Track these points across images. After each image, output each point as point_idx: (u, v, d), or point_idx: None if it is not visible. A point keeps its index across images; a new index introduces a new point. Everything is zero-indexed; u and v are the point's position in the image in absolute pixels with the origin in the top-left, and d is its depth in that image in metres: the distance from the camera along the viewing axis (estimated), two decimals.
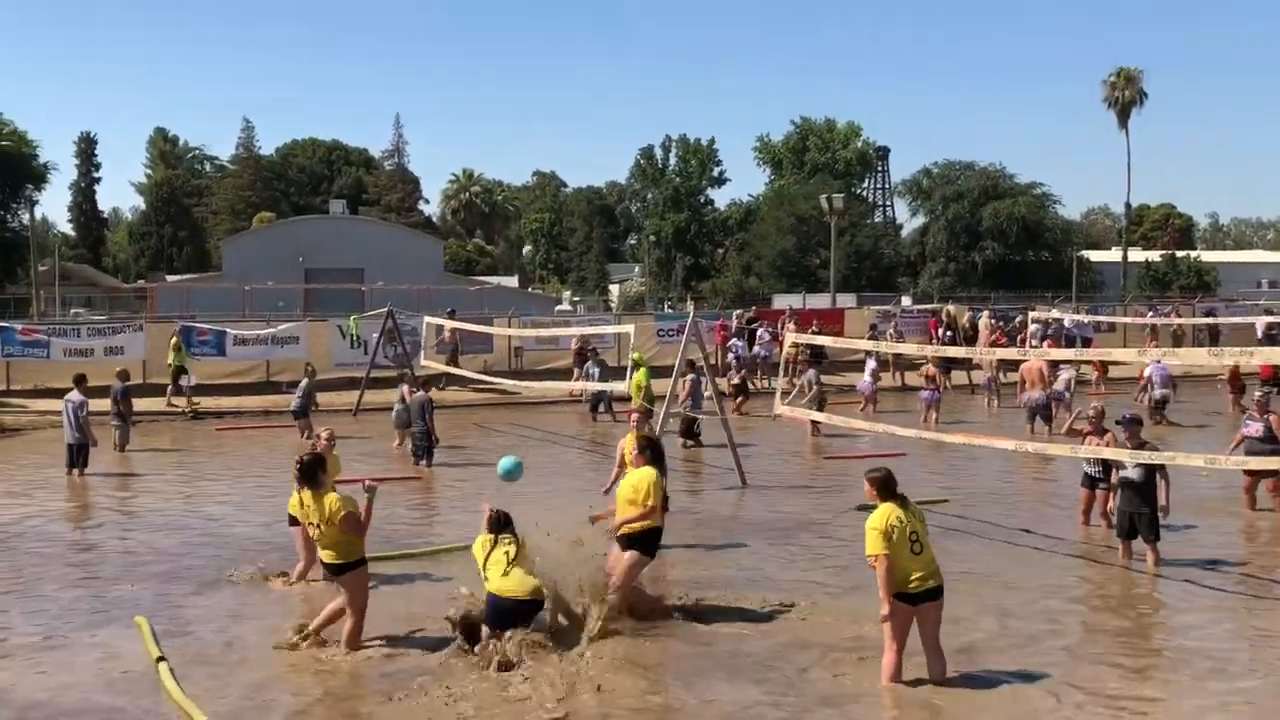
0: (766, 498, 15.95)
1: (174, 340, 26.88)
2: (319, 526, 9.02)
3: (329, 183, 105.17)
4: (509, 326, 30.04)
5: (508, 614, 8.84)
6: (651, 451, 10.21)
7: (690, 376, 20.06)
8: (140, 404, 22.92)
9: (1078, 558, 12.33)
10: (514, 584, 8.83)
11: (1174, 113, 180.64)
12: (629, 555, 9.61)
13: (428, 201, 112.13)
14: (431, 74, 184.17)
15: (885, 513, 8.18)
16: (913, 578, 8.09)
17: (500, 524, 9.15)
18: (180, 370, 26.48)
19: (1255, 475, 14.19)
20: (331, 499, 9.01)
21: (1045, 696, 8.17)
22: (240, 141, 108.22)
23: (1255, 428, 14.17)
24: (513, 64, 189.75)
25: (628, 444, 11.42)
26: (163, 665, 8.67)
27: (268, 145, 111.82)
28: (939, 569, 8.29)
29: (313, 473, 9.14)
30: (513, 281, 79.52)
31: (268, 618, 10.11)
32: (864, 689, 8.26)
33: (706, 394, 19.47)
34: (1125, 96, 66.21)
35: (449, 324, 28.69)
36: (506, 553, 8.95)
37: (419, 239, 68.61)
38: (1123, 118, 67.09)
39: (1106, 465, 12.74)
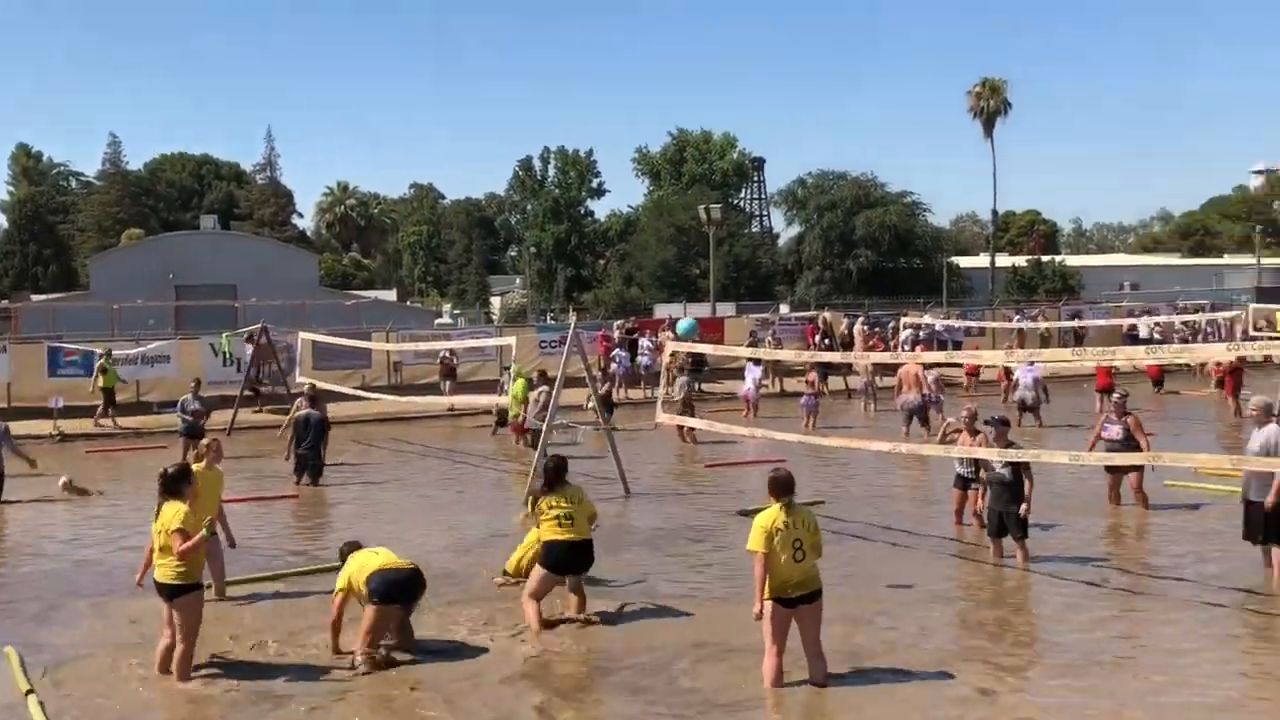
0: (651, 506, 16.02)
1: (100, 362, 26.36)
2: (163, 537, 8.68)
3: (199, 198, 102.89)
4: (387, 341, 29.72)
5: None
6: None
7: (543, 388, 20.03)
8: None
9: (952, 556, 12.63)
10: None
11: (1038, 121, 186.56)
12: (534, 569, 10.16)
13: (301, 215, 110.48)
14: (304, 86, 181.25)
15: (772, 514, 8.28)
16: (791, 583, 8.18)
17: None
18: (109, 391, 26.10)
19: (1118, 475, 14.68)
20: (174, 510, 8.68)
21: (924, 694, 8.34)
22: (107, 157, 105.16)
23: (1115, 430, 14.59)
24: (387, 76, 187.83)
25: None
26: (31, 698, 8.37)
27: (135, 161, 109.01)
28: (818, 575, 8.39)
29: (176, 484, 8.89)
30: (391, 295, 78.56)
31: (147, 644, 9.82)
32: (747, 694, 8.34)
33: (592, 404, 19.47)
34: (990, 106, 68.01)
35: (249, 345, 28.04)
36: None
37: (293, 254, 67.47)
38: (988, 127, 68.91)
39: (979, 466, 13.04)
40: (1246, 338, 31.28)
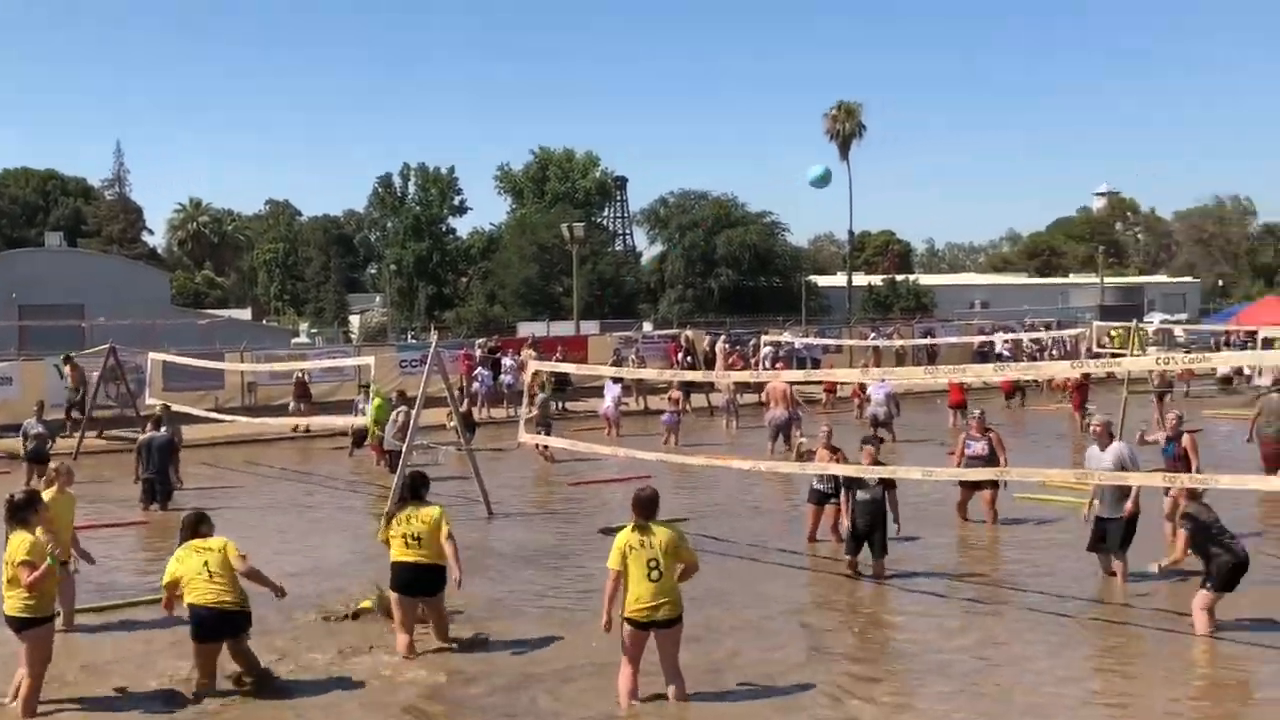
0: (514, 526, 15.90)
1: None
2: (9, 569, 8.28)
3: (44, 214, 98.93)
4: (241, 361, 28.97)
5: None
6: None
7: (402, 408, 19.77)
8: None
9: (811, 571, 12.81)
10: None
11: (893, 144, 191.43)
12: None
13: (152, 232, 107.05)
14: (155, 99, 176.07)
15: (626, 533, 8.25)
16: (643, 603, 8.09)
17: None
18: None
19: (971, 490, 15.06)
20: (19, 541, 8.27)
21: (780, 708, 8.41)
22: None
23: (978, 446, 14.93)
24: (241, 88, 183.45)
25: None
26: None
27: None
28: (677, 598, 8.28)
29: (22, 513, 8.48)
30: (246, 314, 76.70)
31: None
32: (606, 713, 8.30)
33: (453, 424, 19.23)
34: (846, 129, 69.36)
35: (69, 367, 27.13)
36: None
37: (143, 271, 65.25)
38: (844, 149, 70.25)
39: (836, 482, 13.19)
40: (1090, 354, 32.46)
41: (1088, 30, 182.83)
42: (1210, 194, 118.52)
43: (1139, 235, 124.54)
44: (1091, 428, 12.50)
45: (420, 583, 9.68)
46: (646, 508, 8.29)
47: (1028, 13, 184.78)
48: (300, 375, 28.68)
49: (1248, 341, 33.78)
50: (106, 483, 20.33)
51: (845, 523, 12.31)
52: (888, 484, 12.24)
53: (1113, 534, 11.85)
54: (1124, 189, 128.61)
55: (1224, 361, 21.57)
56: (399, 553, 9.68)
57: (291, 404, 28.40)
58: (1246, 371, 32.80)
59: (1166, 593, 11.37)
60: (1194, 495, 10.23)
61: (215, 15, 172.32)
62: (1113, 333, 34.92)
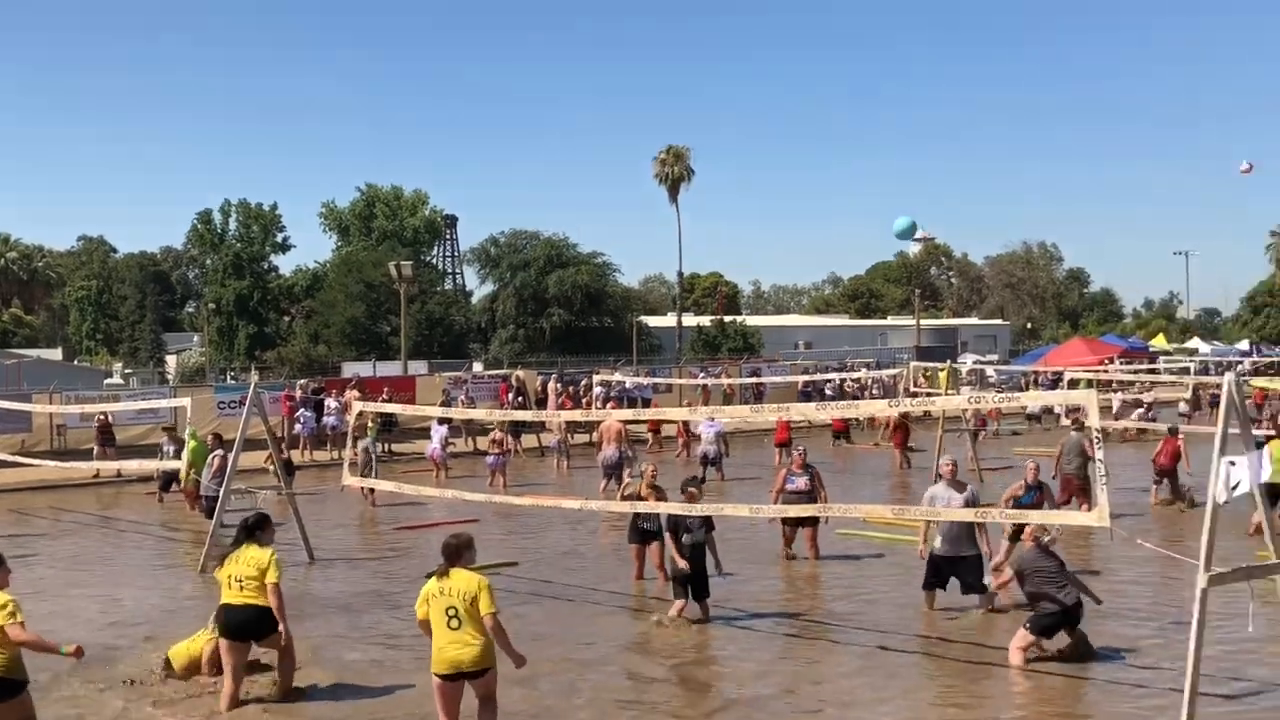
0: (337, 572, 15.49)
1: None
2: None
3: None
4: (50, 403, 27.66)
5: None
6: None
7: (218, 452, 19.12)
8: None
9: (637, 611, 12.80)
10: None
11: (720, 187, 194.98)
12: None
13: None
14: None
15: (431, 581, 8.01)
16: (444, 654, 7.80)
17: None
18: None
19: (795, 527, 15.32)
20: None
21: None
22: None
23: (800, 482, 15.20)
24: (50, 118, 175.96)
25: None
26: None
27: None
28: (484, 646, 7.83)
29: None
30: (56, 354, 73.37)
31: None
32: None
33: (273, 467, 18.67)
34: (675, 172, 70.54)
35: None
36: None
37: None
38: (673, 192, 71.41)
39: (659, 521, 13.13)
40: (908, 394, 33.53)
41: (909, 82, 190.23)
42: (1019, 240, 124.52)
43: (952, 279, 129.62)
44: (942, 466, 12.78)
45: (249, 626, 9.30)
46: (447, 553, 8.03)
47: (848, 75, 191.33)
48: (102, 417, 27.51)
49: (1055, 381, 35.41)
50: None
51: (683, 565, 12.11)
52: (708, 525, 12.31)
53: (964, 572, 12.14)
54: (939, 234, 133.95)
55: (1032, 400, 22.58)
56: (225, 594, 9.34)
57: (96, 448, 27.12)
58: (1057, 410, 34.30)
59: (987, 626, 11.73)
60: (1037, 540, 10.57)
61: (23, 47, 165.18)
62: (927, 373, 36.12)
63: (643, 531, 13.78)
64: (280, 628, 9.25)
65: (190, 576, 15.46)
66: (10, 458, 23.87)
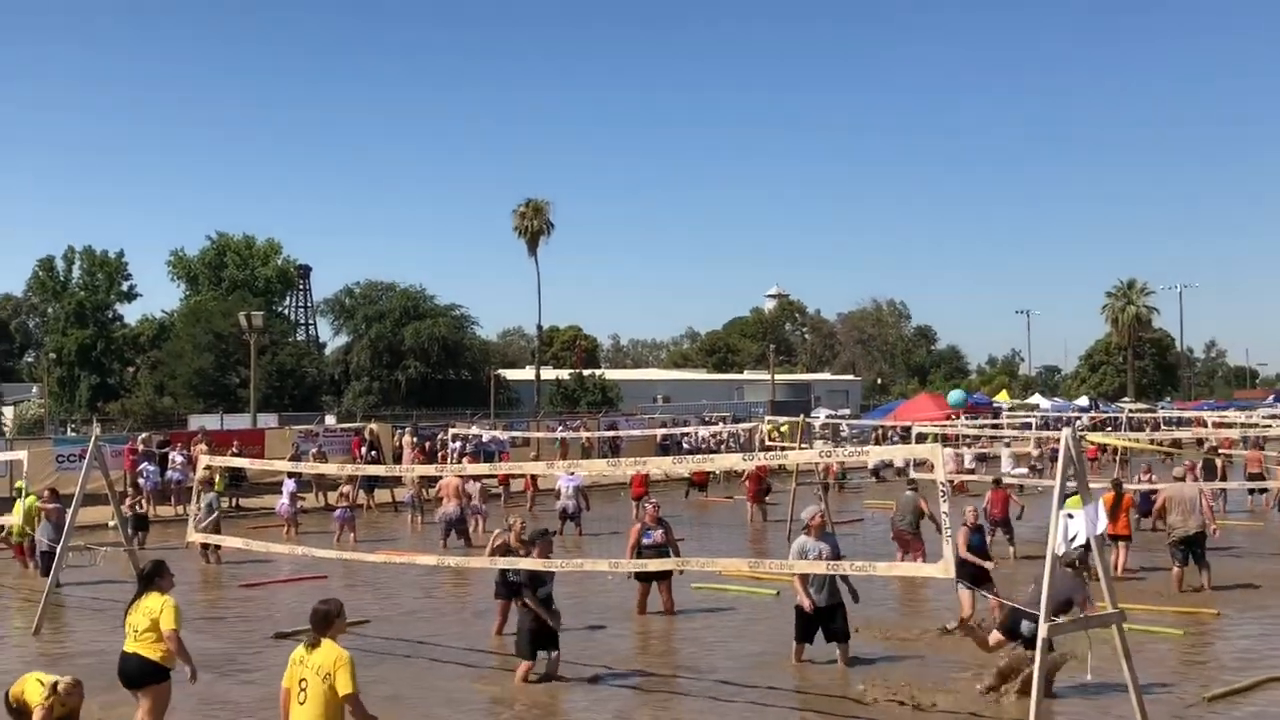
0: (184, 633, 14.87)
1: None
2: None
3: None
4: None
5: None
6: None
7: (54, 505, 18.42)
8: None
9: (494, 670, 12.59)
10: None
11: (580, 241, 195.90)
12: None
13: None
14: None
15: (298, 649, 7.50)
16: None
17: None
18: None
19: (649, 583, 15.30)
20: None
21: None
22: None
23: (656, 535, 15.24)
24: None
25: None
26: None
27: None
28: None
29: None
30: None
31: None
32: None
33: (114, 523, 17.93)
34: (534, 226, 70.51)
35: None
36: None
37: None
38: (532, 245, 71.29)
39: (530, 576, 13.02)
40: (764, 447, 33.95)
41: (763, 135, 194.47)
42: (869, 297, 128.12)
43: (806, 335, 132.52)
44: (805, 518, 12.88)
45: (130, 675, 9.11)
46: (315, 621, 7.51)
47: (702, 122, 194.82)
48: None
49: (904, 435, 36.26)
50: None
51: (551, 620, 11.96)
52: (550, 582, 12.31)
53: (836, 619, 12.28)
54: (792, 291, 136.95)
55: (880, 455, 23.19)
56: (126, 642, 9.18)
57: None
58: (899, 464, 35.08)
59: (846, 675, 11.87)
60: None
61: None
62: (784, 428, 36.68)
63: (510, 584, 13.52)
64: (187, 672, 9.15)
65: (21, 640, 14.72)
66: None
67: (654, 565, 14.41)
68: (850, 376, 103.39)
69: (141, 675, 9.06)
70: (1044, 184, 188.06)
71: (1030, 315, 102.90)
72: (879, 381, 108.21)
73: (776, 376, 68.89)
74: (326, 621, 7.45)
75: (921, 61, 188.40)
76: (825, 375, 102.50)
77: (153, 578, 9.36)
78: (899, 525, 18.78)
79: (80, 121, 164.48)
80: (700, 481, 33.14)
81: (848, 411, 70.14)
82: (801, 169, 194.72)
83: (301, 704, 7.18)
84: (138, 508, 24.02)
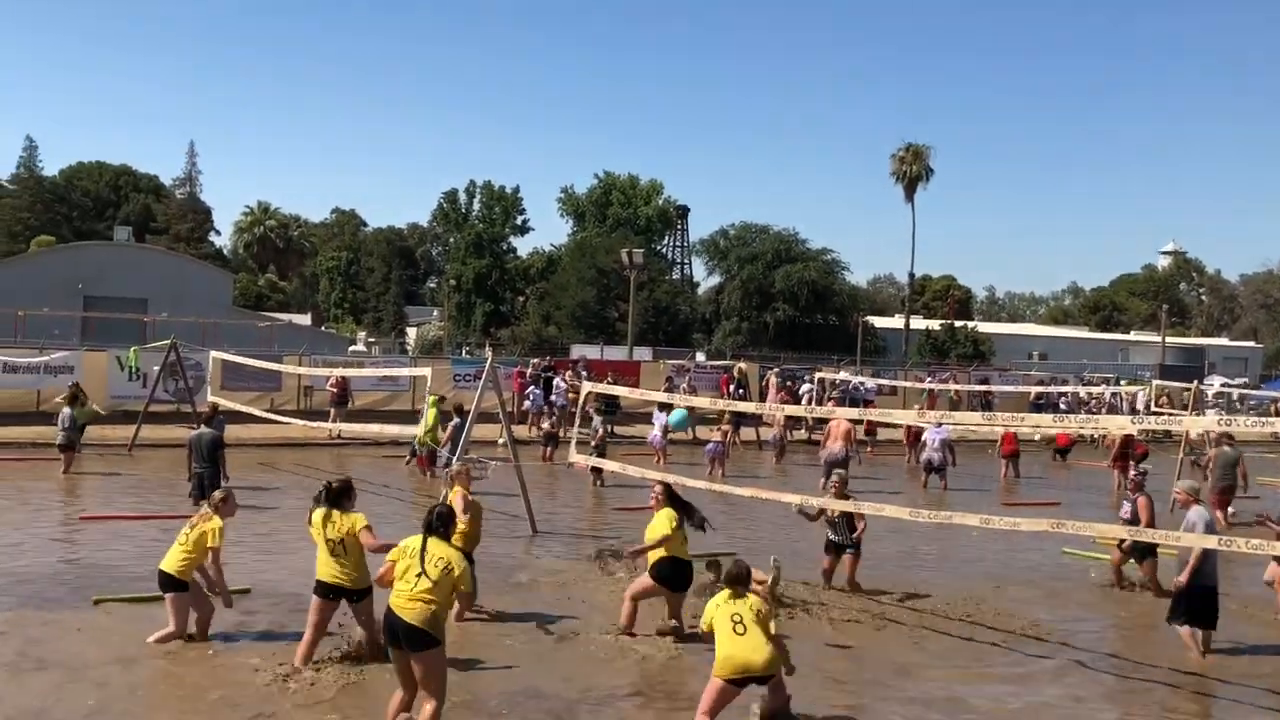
0: (555, 544, 15.89)
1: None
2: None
3: (115, 209, 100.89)
4: (300, 365, 29.28)
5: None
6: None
7: (454, 422, 19.90)
8: None
9: (858, 623, 12.64)
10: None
11: (960, 189, 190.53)
12: None
13: (219, 233, 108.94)
14: (230, 102, 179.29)
15: (718, 598, 8.46)
16: (736, 658, 8.06)
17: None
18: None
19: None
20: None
21: None
22: (21, 161, 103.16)
23: (1125, 510, 14.29)
24: (315, 97, 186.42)
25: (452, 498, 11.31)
26: None
27: (51, 166, 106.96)
28: (771, 654, 8.16)
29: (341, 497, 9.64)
30: (306, 319, 77.61)
31: None
32: None
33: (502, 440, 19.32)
34: (912, 171, 69.17)
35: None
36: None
37: (207, 271, 66.23)
38: (909, 191, 70.05)
39: (849, 534, 13.50)
40: (1149, 412, 31.99)
41: (1163, 89, 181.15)
42: (1276, 258, 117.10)
43: (1203, 296, 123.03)
44: (1175, 492, 12.07)
45: (325, 586, 9.65)
46: (732, 579, 8.51)
47: (1091, 70, 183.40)
48: (337, 378, 28.95)
49: None
50: (158, 475, 20.61)
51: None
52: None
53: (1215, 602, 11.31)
54: (1190, 249, 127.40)
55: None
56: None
57: (332, 410, 28.58)
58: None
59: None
60: None
61: (288, 27, 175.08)
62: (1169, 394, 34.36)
63: (833, 543, 13.73)
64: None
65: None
66: (262, 414, 25.39)
67: (1025, 525, 13.91)
68: (1250, 344, 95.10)
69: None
70: None
71: None
72: None
73: (1167, 339, 64.47)
74: (745, 577, 8.57)
75: None
76: (1222, 340, 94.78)
77: (341, 496, 9.68)
78: (1221, 484, 18.34)
79: (484, 68, 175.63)
80: (1064, 444, 31.62)
81: (1244, 380, 64.62)
82: (1206, 116, 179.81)
83: (740, 635, 8.12)
84: (550, 426, 26.24)
